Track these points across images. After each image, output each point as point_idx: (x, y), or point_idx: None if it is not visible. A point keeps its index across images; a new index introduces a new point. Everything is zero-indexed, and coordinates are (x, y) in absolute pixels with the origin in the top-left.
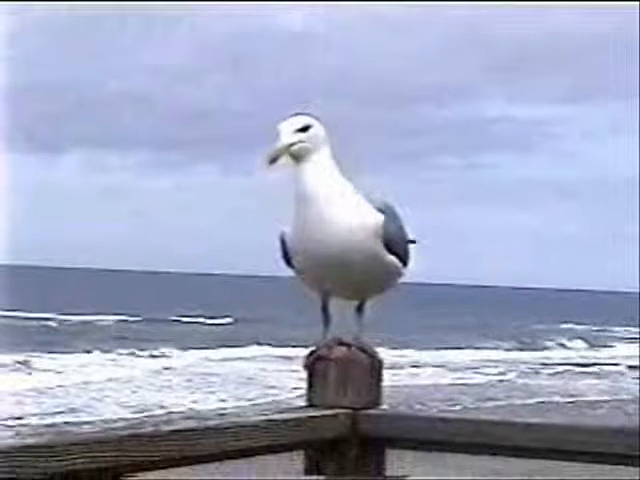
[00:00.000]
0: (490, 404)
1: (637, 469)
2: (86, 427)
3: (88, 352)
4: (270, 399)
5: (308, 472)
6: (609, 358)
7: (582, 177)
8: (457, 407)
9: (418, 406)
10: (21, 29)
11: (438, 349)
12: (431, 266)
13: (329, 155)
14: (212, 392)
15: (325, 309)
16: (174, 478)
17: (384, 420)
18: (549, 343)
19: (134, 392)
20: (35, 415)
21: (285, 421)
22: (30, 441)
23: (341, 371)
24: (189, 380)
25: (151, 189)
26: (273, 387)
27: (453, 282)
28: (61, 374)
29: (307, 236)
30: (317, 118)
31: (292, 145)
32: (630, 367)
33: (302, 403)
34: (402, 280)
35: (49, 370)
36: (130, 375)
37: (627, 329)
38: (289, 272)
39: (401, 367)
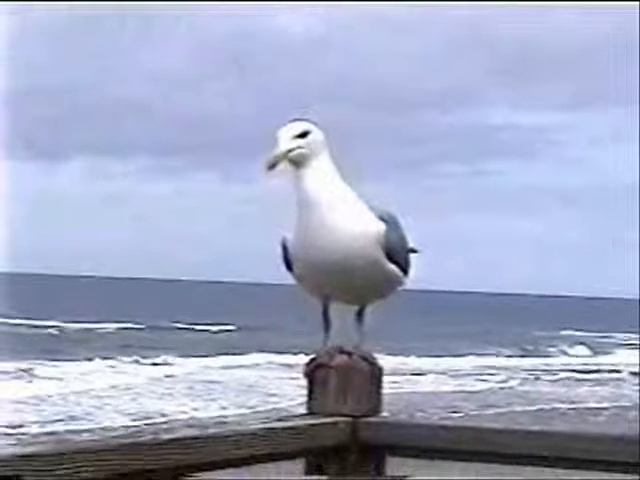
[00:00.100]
0: (491, 411)
1: (638, 477)
2: (85, 435)
3: (90, 360)
4: (271, 407)
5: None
6: (610, 365)
7: (585, 184)
8: (458, 414)
9: (419, 413)
10: (21, 29)
11: (439, 356)
12: (433, 273)
13: (329, 161)
14: (213, 400)
15: (325, 314)
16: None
17: (384, 428)
18: (551, 350)
19: (135, 400)
20: (35, 423)
21: (285, 429)
22: (29, 449)
23: (341, 379)
24: (190, 388)
25: (152, 195)
26: (274, 395)
27: (455, 289)
28: (62, 382)
29: (309, 242)
30: (316, 124)
31: (290, 151)
32: (632, 373)
33: (303, 411)
34: (403, 287)
35: (51, 378)
36: (132, 383)
37: (628, 335)
38: (291, 280)
39: (402, 374)
